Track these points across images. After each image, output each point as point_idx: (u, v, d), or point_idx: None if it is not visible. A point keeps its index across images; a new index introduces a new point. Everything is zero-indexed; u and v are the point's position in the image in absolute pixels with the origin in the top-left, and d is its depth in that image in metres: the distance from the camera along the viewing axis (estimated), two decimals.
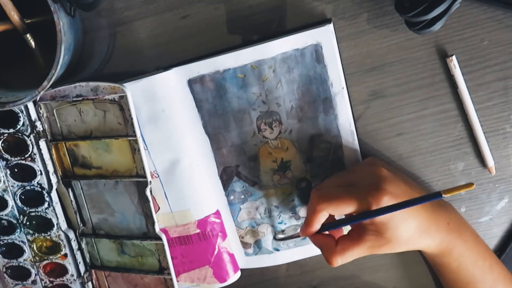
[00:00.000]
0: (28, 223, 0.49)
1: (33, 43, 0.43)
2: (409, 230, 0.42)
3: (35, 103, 0.46)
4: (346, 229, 0.47)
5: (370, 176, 0.43)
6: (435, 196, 0.37)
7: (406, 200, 0.40)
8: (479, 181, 0.49)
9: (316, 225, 0.44)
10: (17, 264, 0.51)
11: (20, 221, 0.49)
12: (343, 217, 0.46)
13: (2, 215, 0.49)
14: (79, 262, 0.51)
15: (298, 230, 0.49)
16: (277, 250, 0.51)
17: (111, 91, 0.45)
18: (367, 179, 0.43)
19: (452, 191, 0.36)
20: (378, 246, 0.42)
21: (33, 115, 0.47)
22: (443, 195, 0.37)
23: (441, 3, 0.38)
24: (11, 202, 0.48)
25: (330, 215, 0.43)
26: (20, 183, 0.48)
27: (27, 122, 0.46)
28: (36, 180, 0.48)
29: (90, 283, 0.52)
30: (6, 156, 0.47)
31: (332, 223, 0.45)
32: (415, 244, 0.43)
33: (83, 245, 0.51)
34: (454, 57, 0.45)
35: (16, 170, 0.48)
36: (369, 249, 0.42)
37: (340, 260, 0.43)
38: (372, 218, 0.41)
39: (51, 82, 0.39)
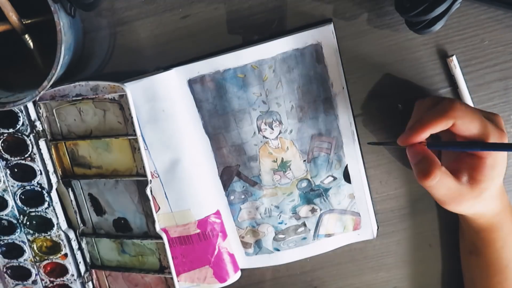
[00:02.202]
0: (28, 223, 0.49)
1: (31, 44, 0.43)
2: (498, 183, 0.41)
3: (34, 103, 0.46)
4: None
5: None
6: None
7: None
8: None
9: (428, 133, 0.39)
10: (17, 264, 0.51)
11: (20, 221, 0.49)
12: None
13: (2, 215, 0.49)
14: (79, 262, 0.51)
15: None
16: (278, 250, 0.51)
17: (111, 90, 0.45)
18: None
19: None
20: (469, 186, 0.40)
21: (33, 115, 0.47)
22: None
23: (441, 3, 0.38)
24: (11, 202, 0.48)
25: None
26: (20, 183, 0.48)
27: (27, 122, 0.46)
28: (36, 180, 0.47)
29: (90, 283, 0.52)
30: (6, 156, 0.47)
31: (439, 143, 0.41)
32: (487, 202, 0.42)
33: (83, 245, 0.51)
34: (454, 57, 0.45)
35: (16, 170, 0.48)
36: (463, 187, 0.40)
37: (439, 174, 0.38)
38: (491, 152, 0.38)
39: (51, 82, 0.39)
